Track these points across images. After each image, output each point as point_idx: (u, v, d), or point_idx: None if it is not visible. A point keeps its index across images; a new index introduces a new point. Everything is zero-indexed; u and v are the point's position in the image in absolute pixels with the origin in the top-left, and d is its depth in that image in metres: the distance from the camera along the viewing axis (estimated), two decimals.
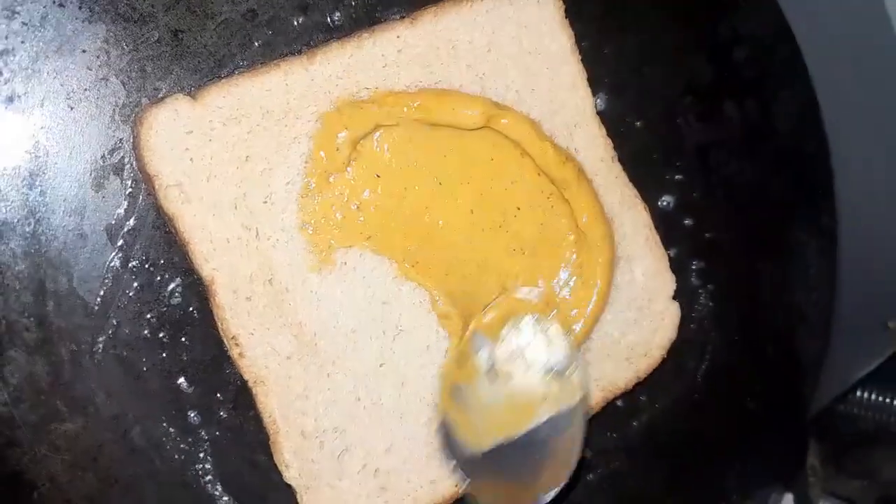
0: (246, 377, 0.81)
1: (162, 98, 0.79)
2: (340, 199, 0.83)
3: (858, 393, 1.39)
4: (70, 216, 0.77)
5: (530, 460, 0.83)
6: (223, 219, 0.79)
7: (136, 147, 0.78)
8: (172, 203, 0.78)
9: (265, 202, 0.81)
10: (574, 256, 0.89)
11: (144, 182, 0.79)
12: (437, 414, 0.84)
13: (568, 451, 0.83)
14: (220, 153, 0.79)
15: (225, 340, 0.81)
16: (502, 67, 0.88)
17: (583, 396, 0.84)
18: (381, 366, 0.84)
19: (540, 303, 0.86)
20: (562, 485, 0.82)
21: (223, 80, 0.80)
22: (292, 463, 0.81)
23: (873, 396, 1.39)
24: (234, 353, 0.81)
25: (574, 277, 0.89)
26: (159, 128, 0.77)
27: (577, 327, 0.90)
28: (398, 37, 0.84)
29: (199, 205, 0.79)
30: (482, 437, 0.83)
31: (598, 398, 0.93)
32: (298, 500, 0.82)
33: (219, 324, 0.80)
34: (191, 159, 0.78)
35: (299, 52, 0.83)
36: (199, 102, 0.79)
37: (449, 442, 0.83)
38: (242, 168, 0.80)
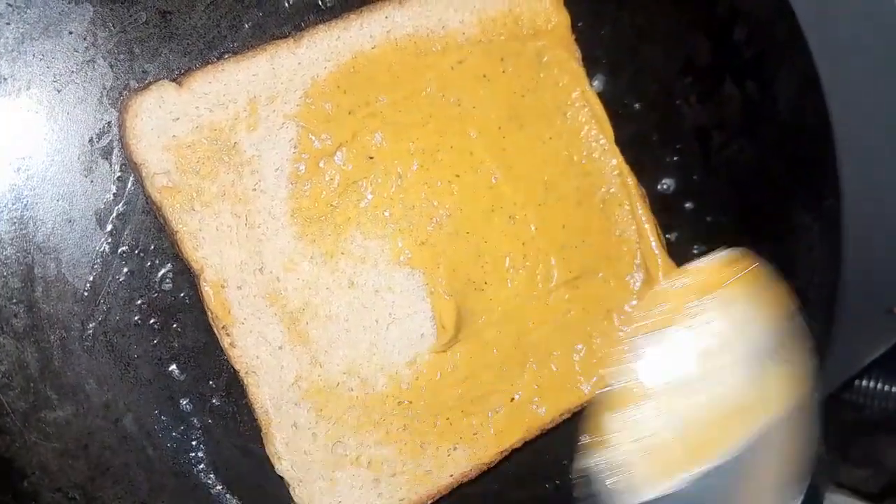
0: (237, 367, 0.80)
1: (148, 83, 0.78)
2: (331, 185, 0.82)
3: (864, 382, 1.37)
4: (58, 201, 0.76)
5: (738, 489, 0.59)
6: (212, 207, 0.78)
7: (122, 135, 0.77)
8: (160, 191, 0.77)
9: (254, 189, 0.80)
10: None
11: (132, 169, 0.78)
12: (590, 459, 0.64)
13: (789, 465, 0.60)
14: (206, 140, 0.78)
15: (215, 330, 0.80)
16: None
17: (806, 388, 0.61)
18: (373, 355, 0.83)
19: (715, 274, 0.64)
20: None
21: (209, 66, 0.79)
22: (284, 455, 0.80)
23: (878, 385, 1.37)
24: (224, 342, 0.80)
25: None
26: (145, 115, 0.76)
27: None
28: (386, 17, 0.83)
29: (186, 193, 0.77)
30: (665, 472, 0.60)
31: None
32: (291, 493, 0.81)
33: (209, 313, 0.79)
34: (177, 147, 0.77)
35: (290, 35, 0.82)
36: (184, 88, 0.78)
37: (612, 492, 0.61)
38: (230, 155, 0.79)
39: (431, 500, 0.85)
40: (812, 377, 0.61)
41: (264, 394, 0.80)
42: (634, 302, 0.84)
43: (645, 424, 0.62)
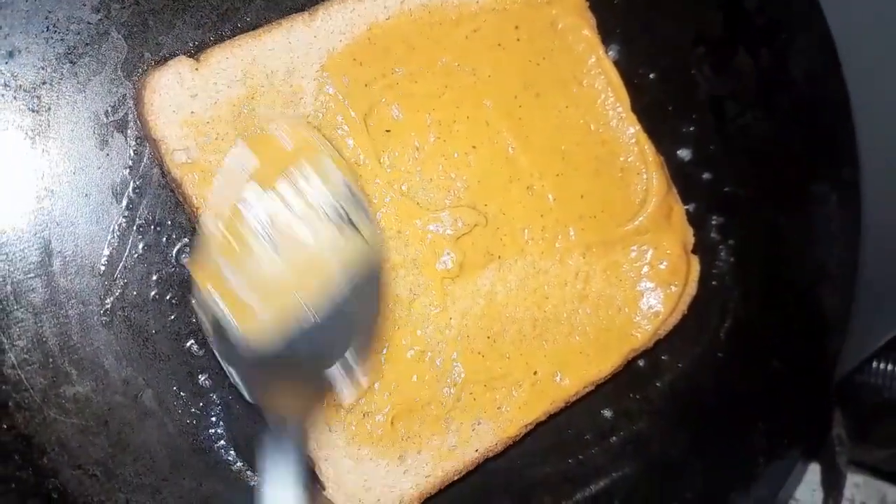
0: None
1: (164, 58, 0.77)
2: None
3: (882, 364, 1.36)
4: (74, 174, 0.76)
5: (326, 340, 0.69)
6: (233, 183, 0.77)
7: (139, 112, 0.76)
8: (179, 167, 0.76)
9: None
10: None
11: (150, 146, 0.77)
12: (200, 307, 0.70)
13: (369, 318, 0.72)
14: (225, 116, 0.77)
15: None
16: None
17: (376, 248, 0.70)
18: (397, 328, 0.82)
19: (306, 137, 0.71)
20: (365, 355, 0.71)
21: (226, 42, 0.78)
22: (309, 433, 0.79)
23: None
24: None
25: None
26: (163, 91, 0.76)
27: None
28: None
29: (207, 169, 0.76)
30: (268, 323, 0.67)
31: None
32: (316, 471, 0.80)
33: None
34: (196, 123, 0.76)
35: (304, 7, 0.82)
36: (202, 64, 0.77)
37: (225, 345, 0.69)
38: (249, 131, 0.78)
39: (458, 476, 0.84)
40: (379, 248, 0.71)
41: None
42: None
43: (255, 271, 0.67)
